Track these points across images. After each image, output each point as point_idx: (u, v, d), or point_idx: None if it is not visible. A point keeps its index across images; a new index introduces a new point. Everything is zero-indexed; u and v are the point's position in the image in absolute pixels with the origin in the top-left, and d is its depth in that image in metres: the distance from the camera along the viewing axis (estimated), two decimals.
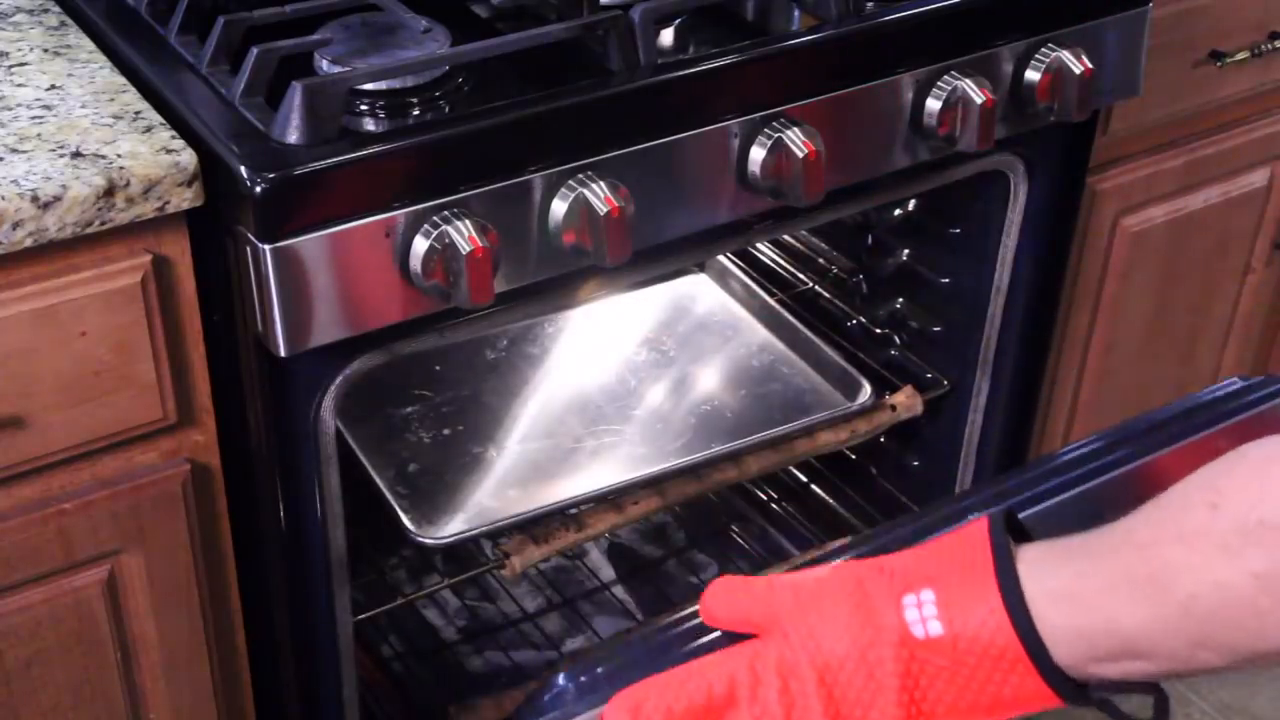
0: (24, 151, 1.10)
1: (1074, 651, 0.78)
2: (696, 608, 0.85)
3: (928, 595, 0.78)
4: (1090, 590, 0.78)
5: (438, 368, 1.69)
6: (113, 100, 1.17)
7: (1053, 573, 0.79)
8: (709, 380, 1.71)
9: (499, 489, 1.53)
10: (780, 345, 1.75)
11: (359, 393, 1.45)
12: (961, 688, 0.78)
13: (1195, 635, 0.77)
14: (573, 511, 1.55)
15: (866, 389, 1.65)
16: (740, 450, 1.60)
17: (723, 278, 1.86)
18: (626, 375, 1.71)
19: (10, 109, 1.16)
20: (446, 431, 1.60)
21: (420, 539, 1.45)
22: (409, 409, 1.63)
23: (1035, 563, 0.79)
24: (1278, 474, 0.77)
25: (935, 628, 0.78)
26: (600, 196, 1.17)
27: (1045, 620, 0.78)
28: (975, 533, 0.80)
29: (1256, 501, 0.77)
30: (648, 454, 1.58)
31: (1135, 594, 0.78)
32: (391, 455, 1.56)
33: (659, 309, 1.81)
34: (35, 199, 1.05)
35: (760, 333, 1.78)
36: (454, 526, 1.47)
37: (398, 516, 1.46)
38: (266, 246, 1.08)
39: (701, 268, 1.86)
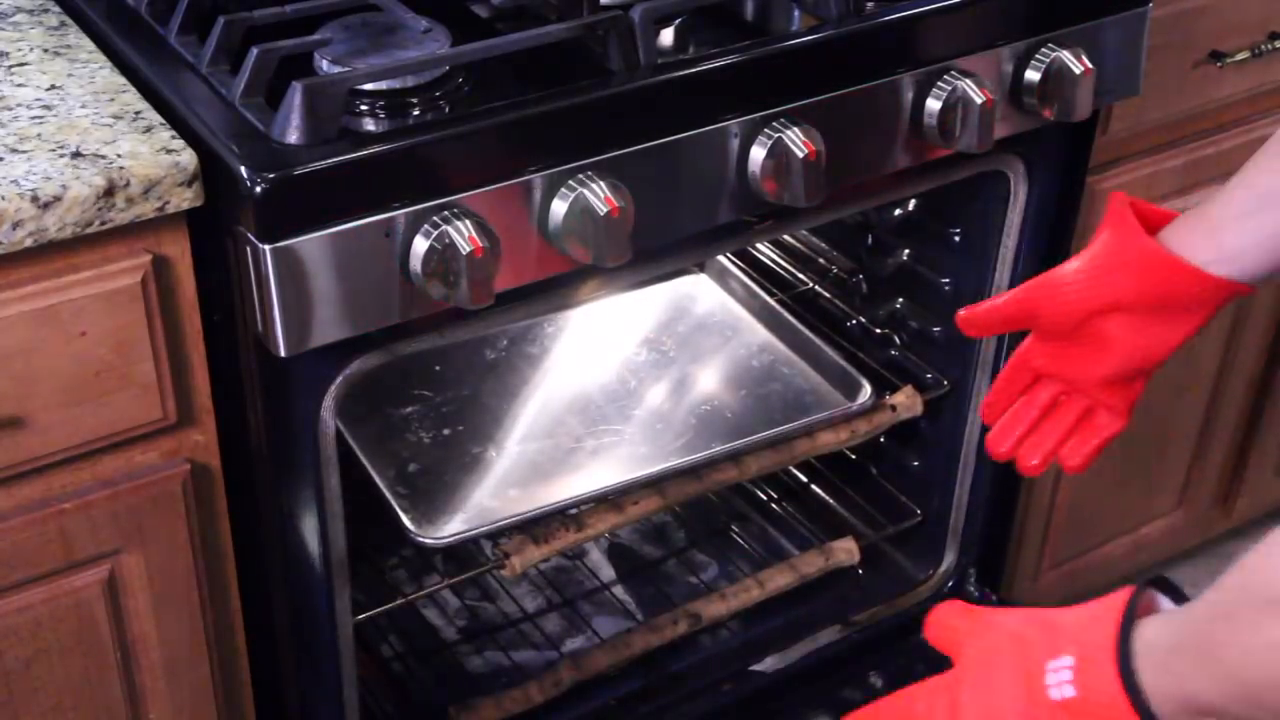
0: (24, 151, 1.10)
1: (1167, 713, 0.86)
2: None
3: (1066, 661, 0.89)
4: (1180, 660, 0.86)
5: (438, 368, 1.70)
6: (113, 100, 1.17)
7: (1162, 643, 0.87)
8: (709, 380, 1.71)
9: (499, 489, 1.53)
10: (780, 345, 1.75)
11: (359, 393, 1.45)
12: None
13: (1247, 697, 0.83)
14: (572, 512, 1.55)
15: (867, 389, 1.65)
16: (740, 450, 1.60)
17: (722, 278, 1.86)
18: (626, 375, 1.71)
19: (10, 109, 1.16)
20: (446, 431, 1.61)
21: (420, 539, 1.45)
22: (409, 409, 1.63)
23: (1153, 633, 0.88)
24: None
25: (1068, 691, 0.89)
26: (600, 196, 1.17)
27: (1151, 688, 0.86)
28: (1115, 600, 0.90)
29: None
30: (648, 454, 1.58)
31: (1202, 661, 0.85)
32: (392, 455, 1.56)
33: (659, 309, 1.82)
34: (35, 199, 1.05)
35: (760, 333, 1.78)
36: (454, 527, 1.48)
37: (398, 517, 1.47)
38: (266, 246, 1.08)
39: (701, 268, 1.87)
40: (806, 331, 1.74)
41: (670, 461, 1.56)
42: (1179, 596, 0.93)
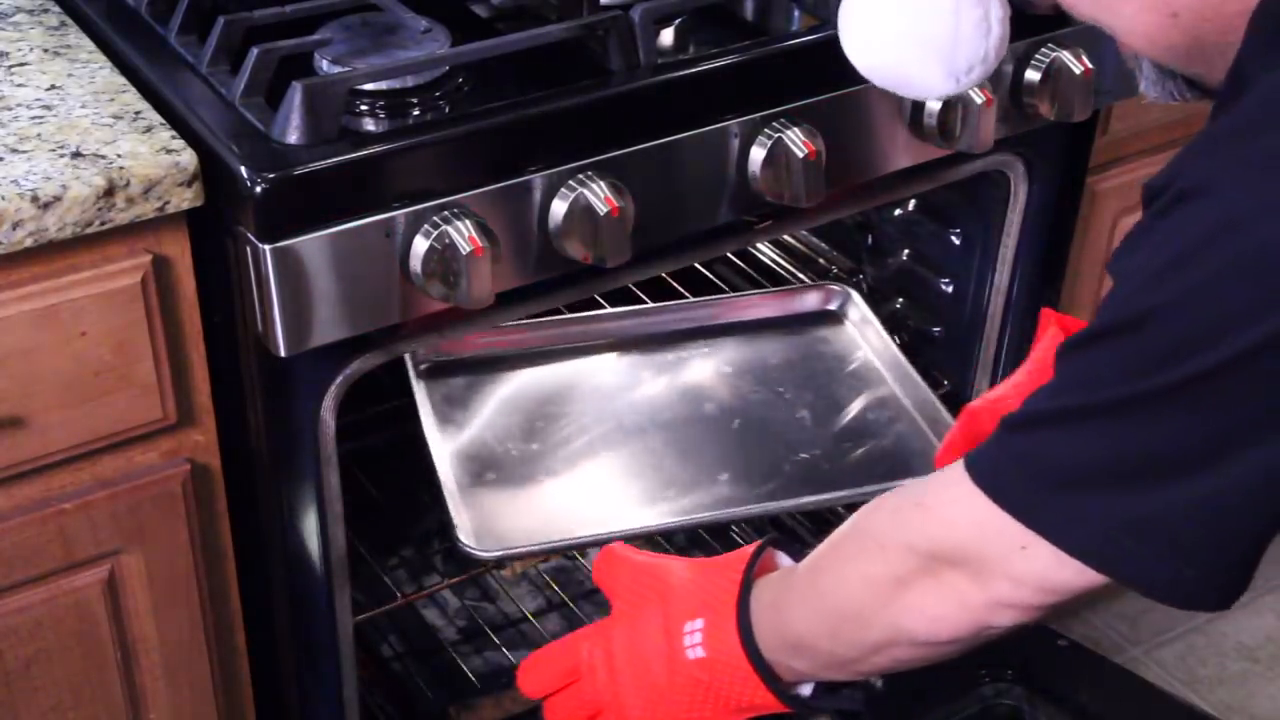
0: (24, 151, 1.10)
1: (774, 655, 1.03)
2: None
3: (698, 624, 1.05)
4: (787, 599, 1.03)
5: (554, 389, 1.65)
6: (113, 100, 1.17)
7: (772, 593, 1.04)
8: (817, 428, 1.62)
9: (563, 510, 1.48)
10: (904, 402, 1.65)
11: (457, 400, 1.58)
12: (713, 695, 1.05)
13: (831, 628, 0.99)
14: None
15: None
16: (810, 505, 1.56)
17: (861, 327, 1.76)
18: (734, 414, 1.63)
19: (10, 109, 1.16)
20: (535, 447, 1.56)
21: (469, 549, 1.40)
22: (510, 420, 1.59)
23: (769, 588, 1.04)
24: (891, 496, 0.98)
25: (700, 653, 1.04)
26: (600, 196, 1.17)
27: (764, 639, 1.03)
28: (734, 564, 1.06)
29: (872, 514, 0.99)
30: (728, 496, 1.50)
31: (801, 594, 1.01)
32: (471, 460, 1.53)
33: (788, 350, 1.73)
34: (35, 199, 1.05)
35: (886, 387, 1.68)
36: (505, 541, 1.42)
37: (450, 522, 1.42)
38: (266, 246, 1.08)
39: (844, 318, 1.77)
40: (929, 392, 1.64)
41: (745, 507, 1.50)
42: (798, 555, 1.08)
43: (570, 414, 1.60)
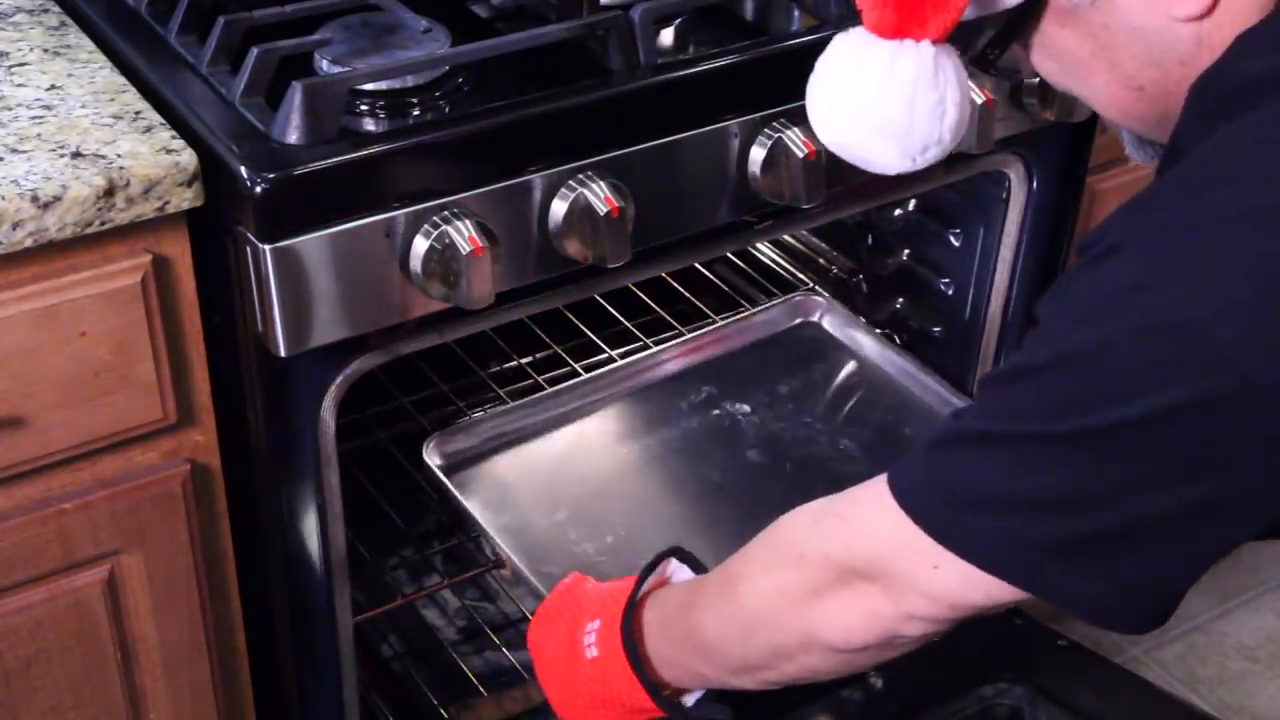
0: (24, 151, 1.10)
1: (676, 657, 1.09)
2: None
3: (595, 624, 1.13)
4: (695, 603, 1.08)
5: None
6: (113, 100, 1.17)
7: (671, 598, 1.12)
8: (865, 455, 1.56)
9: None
10: (927, 403, 1.61)
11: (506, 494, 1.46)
12: (606, 695, 1.11)
13: (742, 635, 1.03)
14: None
15: None
16: None
17: (849, 334, 1.72)
18: (781, 457, 1.54)
19: (10, 109, 1.16)
20: (608, 539, 1.45)
21: None
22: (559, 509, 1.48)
23: (664, 595, 1.13)
24: (811, 507, 1.02)
25: (594, 652, 1.12)
26: (600, 196, 1.17)
27: (653, 646, 1.10)
28: (633, 577, 1.14)
29: (788, 524, 1.03)
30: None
31: (714, 600, 1.06)
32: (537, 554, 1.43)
33: (789, 377, 1.67)
34: (35, 199, 1.05)
35: (905, 393, 1.64)
36: None
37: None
38: (266, 246, 1.08)
39: (827, 328, 1.72)
40: (940, 385, 1.60)
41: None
42: (698, 568, 1.16)
43: (619, 491, 1.51)
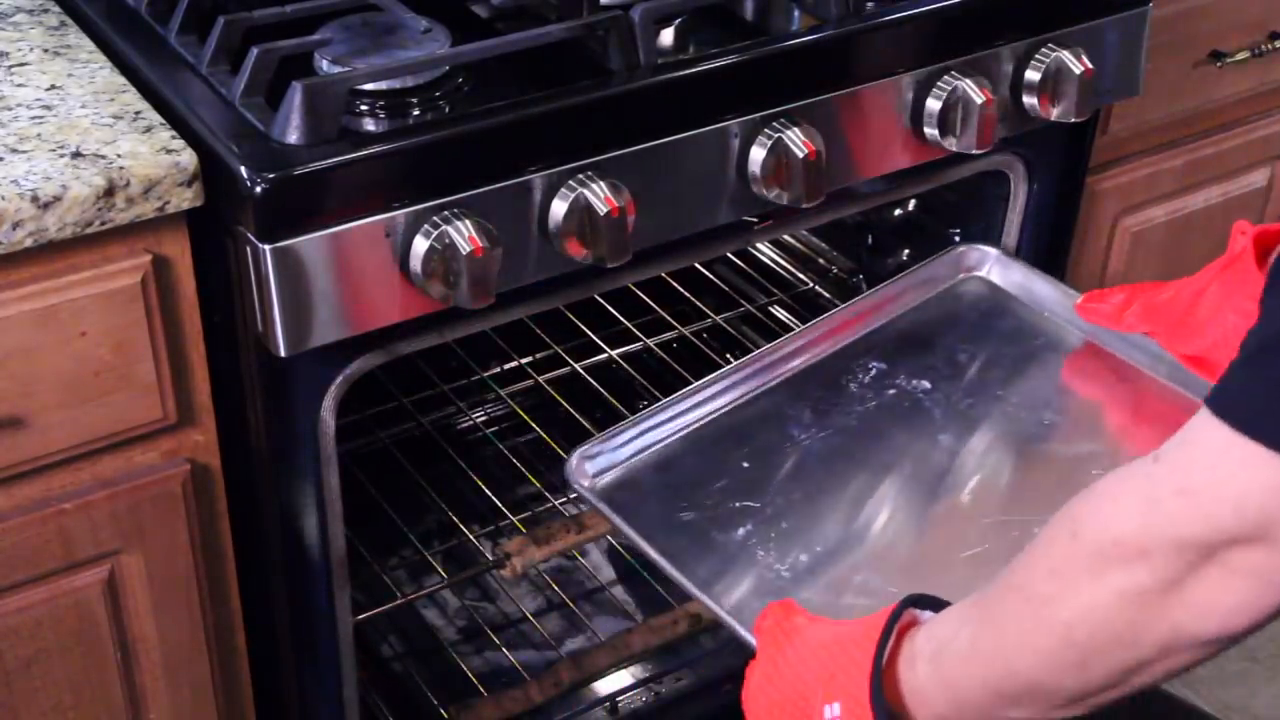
0: (24, 151, 1.10)
1: (968, 712, 0.91)
2: None
3: (838, 709, 0.94)
4: (984, 650, 0.90)
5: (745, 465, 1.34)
6: (113, 100, 1.17)
7: (945, 649, 0.92)
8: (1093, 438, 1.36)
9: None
10: (1139, 366, 1.41)
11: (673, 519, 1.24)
12: None
13: (1079, 662, 0.86)
14: (573, 513, 1.55)
15: None
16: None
17: (1024, 284, 1.53)
18: (1008, 449, 1.35)
19: (10, 109, 1.16)
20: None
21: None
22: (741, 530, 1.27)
23: (924, 653, 0.93)
24: (1125, 491, 0.84)
25: None
26: (600, 196, 1.17)
27: (922, 707, 0.92)
28: (870, 632, 0.94)
29: (1110, 521, 0.84)
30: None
31: (1024, 636, 0.88)
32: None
33: (973, 348, 1.46)
34: (35, 199, 1.05)
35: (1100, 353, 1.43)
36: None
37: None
38: (266, 246, 1.08)
39: (993, 282, 1.53)
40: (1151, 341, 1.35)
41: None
42: (939, 606, 0.96)
43: (803, 497, 1.30)
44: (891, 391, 1.40)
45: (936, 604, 0.97)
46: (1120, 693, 0.87)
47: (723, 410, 1.39)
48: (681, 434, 1.36)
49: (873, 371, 1.42)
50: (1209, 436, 0.78)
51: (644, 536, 1.23)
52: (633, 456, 1.34)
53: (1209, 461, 0.79)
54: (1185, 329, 1.25)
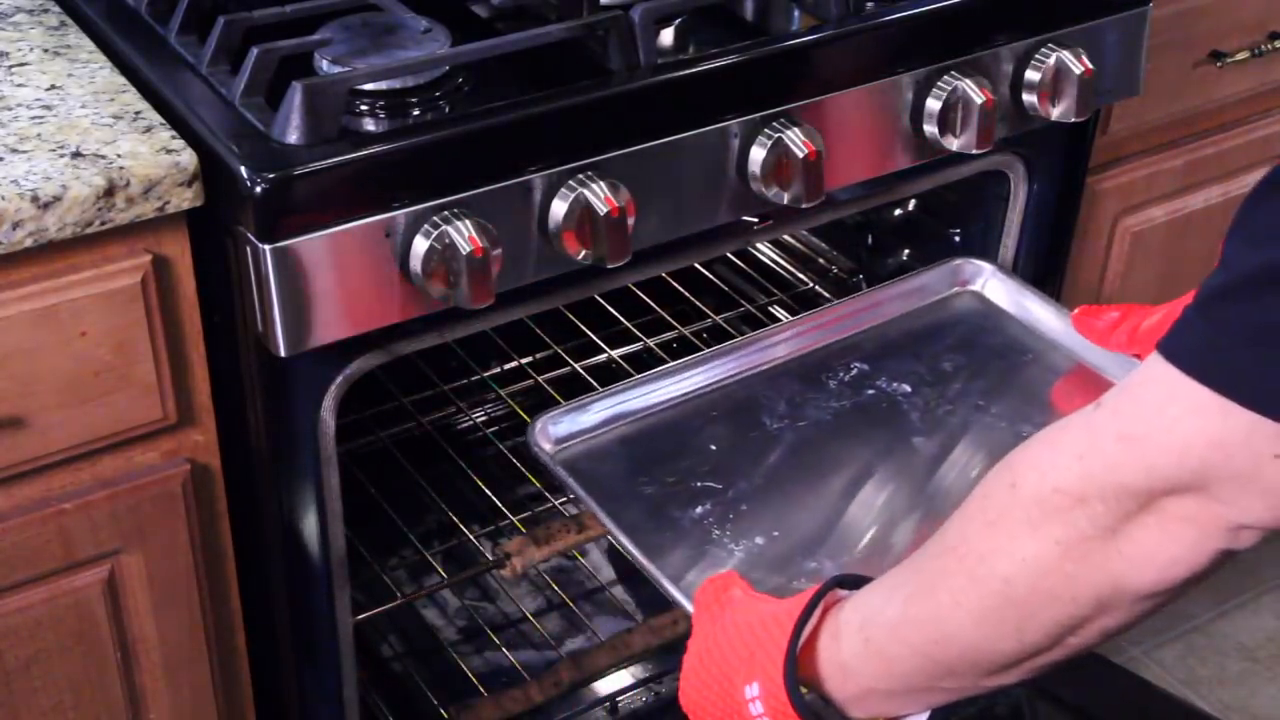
0: (24, 151, 1.10)
1: (878, 701, 0.91)
2: None
3: (756, 689, 0.93)
4: (916, 616, 0.87)
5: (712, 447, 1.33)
6: (113, 100, 1.17)
7: (873, 618, 0.90)
8: None
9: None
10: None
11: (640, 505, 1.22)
12: None
13: (1017, 620, 0.83)
14: (573, 513, 1.55)
15: None
16: None
17: (1016, 304, 1.51)
18: (959, 451, 1.34)
19: (10, 109, 1.16)
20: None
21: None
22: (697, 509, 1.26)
23: (851, 624, 0.92)
24: (1065, 439, 0.81)
25: (760, 708, 0.92)
26: (600, 196, 1.17)
27: (853, 682, 0.91)
28: (792, 610, 0.93)
29: (1049, 469, 0.81)
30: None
31: (959, 595, 0.85)
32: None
33: (956, 354, 1.44)
34: (35, 199, 1.05)
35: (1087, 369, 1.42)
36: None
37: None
38: (266, 246, 1.08)
39: (988, 297, 1.51)
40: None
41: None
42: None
43: (767, 484, 1.29)
44: (870, 391, 1.40)
45: (866, 585, 0.95)
46: (1053, 657, 0.85)
47: (697, 392, 1.38)
48: (652, 411, 1.36)
49: (854, 371, 1.42)
50: (1156, 381, 0.75)
51: (599, 503, 1.23)
52: (599, 426, 1.34)
53: (1154, 406, 0.76)
54: None
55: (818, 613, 0.93)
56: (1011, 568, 0.82)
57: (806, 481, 1.29)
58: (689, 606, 1.08)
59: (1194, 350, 0.74)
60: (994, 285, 1.51)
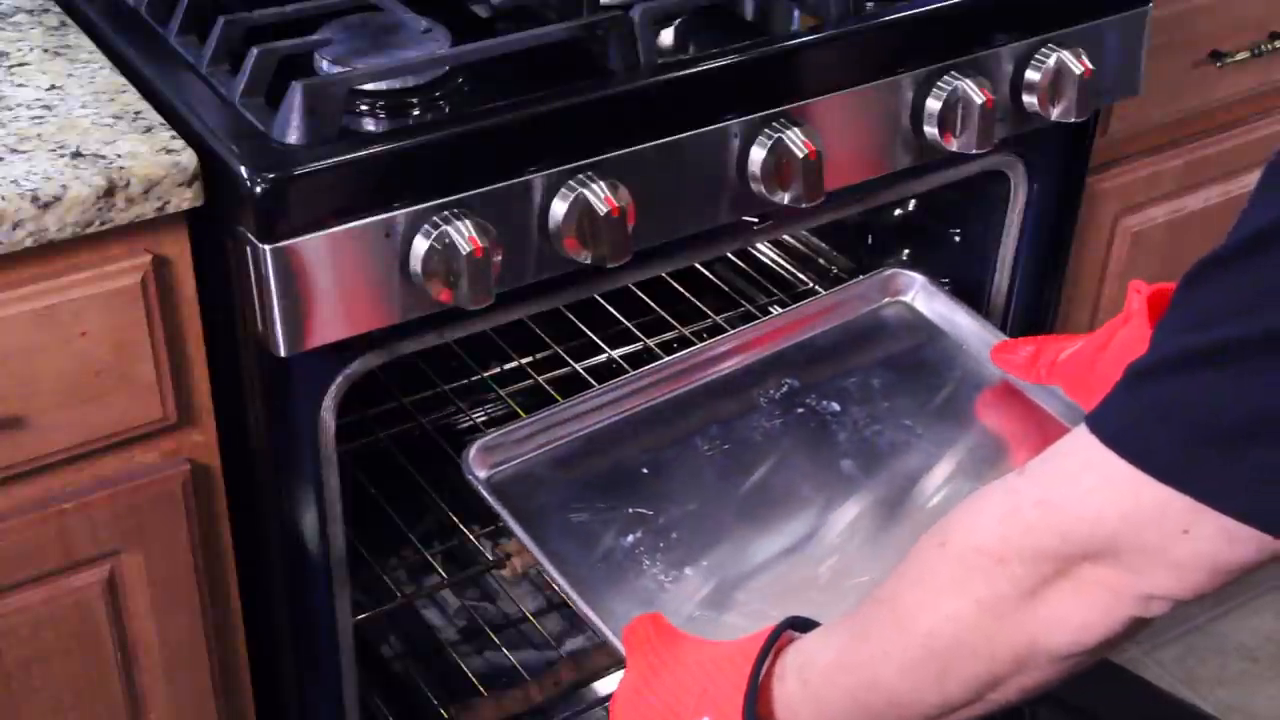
0: (24, 151, 1.10)
1: None
2: None
3: None
4: (849, 662, 0.90)
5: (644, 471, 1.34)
6: (113, 100, 1.17)
7: (812, 661, 0.93)
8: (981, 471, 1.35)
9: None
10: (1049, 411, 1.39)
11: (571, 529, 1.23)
12: None
13: (938, 673, 0.86)
14: None
15: None
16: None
17: (947, 317, 1.53)
18: (884, 476, 1.34)
19: (10, 109, 1.16)
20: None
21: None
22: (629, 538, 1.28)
23: (793, 667, 0.93)
24: (988, 503, 0.85)
25: None
26: (600, 196, 1.17)
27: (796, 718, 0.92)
28: (748, 651, 0.94)
29: (972, 530, 0.84)
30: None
31: (887, 645, 0.88)
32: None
33: (883, 371, 1.46)
34: (35, 199, 1.05)
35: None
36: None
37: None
38: (266, 246, 1.08)
39: (919, 310, 1.53)
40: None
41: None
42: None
43: (698, 511, 1.29)
44: (800, 410, 1.40)
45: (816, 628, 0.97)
46: (975, 711, 0.88)
47: (629, 413, 1.39)
48: (584, 433, 1.36)
49: (784, 388, 1.42)
50: (1078, 450, 0.78)
51: (530, 534, 1.24)
52: (533, 452, 1.34)
53: (1072, 475, 0.79)
54: (1086, 385, 1.28)
55: (771, 654, 0.95)
56: (935, 622, 0.85)
57: (735, 508, 1.30)
58: (619, 645, 1.08)
59: (1115, 423, 0.76)
60: (923, 298, 1.53)
